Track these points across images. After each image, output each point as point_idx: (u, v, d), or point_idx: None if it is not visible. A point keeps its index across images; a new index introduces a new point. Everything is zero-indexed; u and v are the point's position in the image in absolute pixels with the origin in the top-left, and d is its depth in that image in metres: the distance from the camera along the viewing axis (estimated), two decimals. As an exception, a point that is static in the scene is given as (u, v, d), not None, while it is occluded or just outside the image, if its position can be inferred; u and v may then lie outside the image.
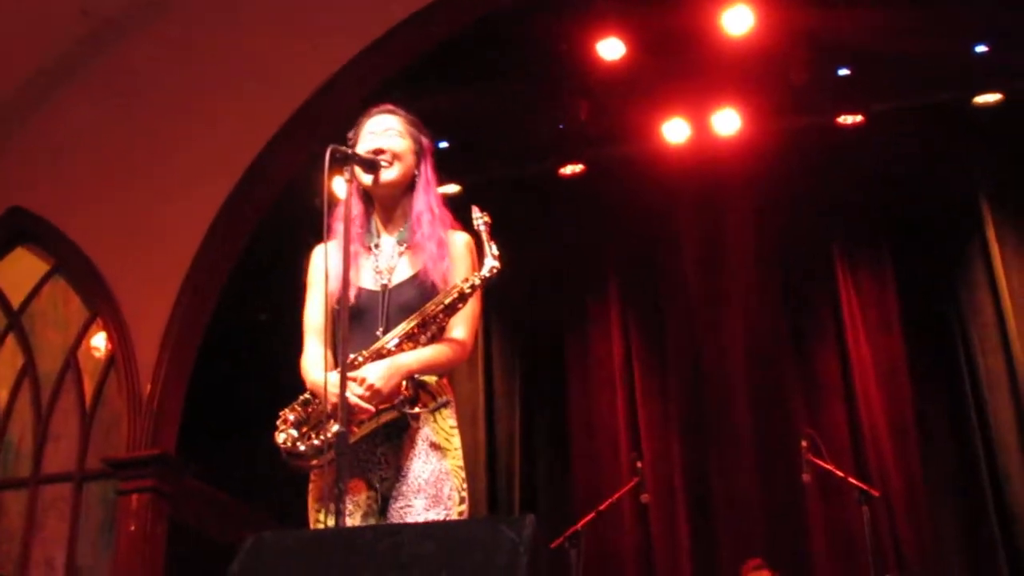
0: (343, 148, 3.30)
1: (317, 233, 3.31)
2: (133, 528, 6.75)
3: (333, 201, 3.29)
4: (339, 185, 3.35)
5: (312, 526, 3.30)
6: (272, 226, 7.54)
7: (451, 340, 3.37)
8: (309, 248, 3.56)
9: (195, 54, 7.58)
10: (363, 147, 3.45)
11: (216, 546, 7.29)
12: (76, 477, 7.11)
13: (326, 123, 7.28)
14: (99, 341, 7.40)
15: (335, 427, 3.05)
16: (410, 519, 3.19)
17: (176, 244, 7.30)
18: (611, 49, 7.56)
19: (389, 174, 3.45)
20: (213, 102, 7.48)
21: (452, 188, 7.58)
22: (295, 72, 7.40)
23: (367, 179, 3.44)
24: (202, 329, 7.35)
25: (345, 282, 3.14)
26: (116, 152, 7.58)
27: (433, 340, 3.33)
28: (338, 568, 2.40)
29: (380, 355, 3.25)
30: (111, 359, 7.26)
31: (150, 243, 7.35)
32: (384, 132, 3.50)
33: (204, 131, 7.45)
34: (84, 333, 7.44)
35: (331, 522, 3.07)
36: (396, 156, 3.47)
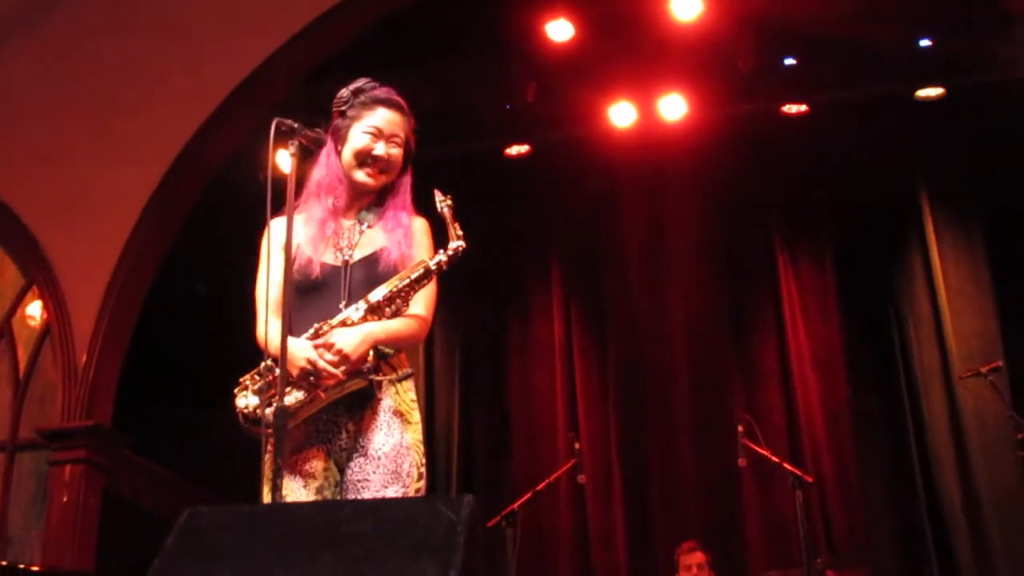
0: (288, 121, 3.27)
1: (275, 205, 3.29)
2: (66, 499, 6.69)
3: (290, 176, 3.27)
4: (283, 158, 3.33)
5: (264, 496, 3.28)
6: (214, 198, 7.47)
7: (414, 316, 3.41)
8: (253, 219, 3.54)
9: (140, 23, 7.48)
10: (363, 140, 3.46)
11: (151, 519, 7.24)
12: (8, 447, 7.02)
13: (268, 97, 7.22)
14: (34, 310, 7.31)
15: (296, 393, 3.15)
16: (367, 494, 3.21)
17: (116, 213, 7.21)
18: (560, 31, 7.56)
19: (374, 180, 3.49)
20: (156, 72, 7.39)
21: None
22: (238, 46, 7.32)
23: (360, 176, 3.46)
24: (140, 300, 7.27)
25: (288, 249, 3.17)
26: (56, 119, 7.47)
27: (396, 315, 3.35)
28: (274, 544, 2.39)
29: (345, 325, 3.27)
30: (46, 328, 7.17)
31: (89, 211, 7.25)
32: (391, 138, 3.51)
33: (146, 101, 7.36)
34: (19, 301, 7.34)
35: (286, 495, 3.09)
36: (391, 165, 3.51)
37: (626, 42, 7.75)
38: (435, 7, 7.34)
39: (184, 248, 7.54)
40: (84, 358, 6.97)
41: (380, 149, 3.48)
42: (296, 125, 3.30)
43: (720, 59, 7.83)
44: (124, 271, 7.13)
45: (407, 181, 3.59)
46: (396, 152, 3.51)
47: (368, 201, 3.54)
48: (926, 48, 7.79)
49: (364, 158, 3.46)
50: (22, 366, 7.19)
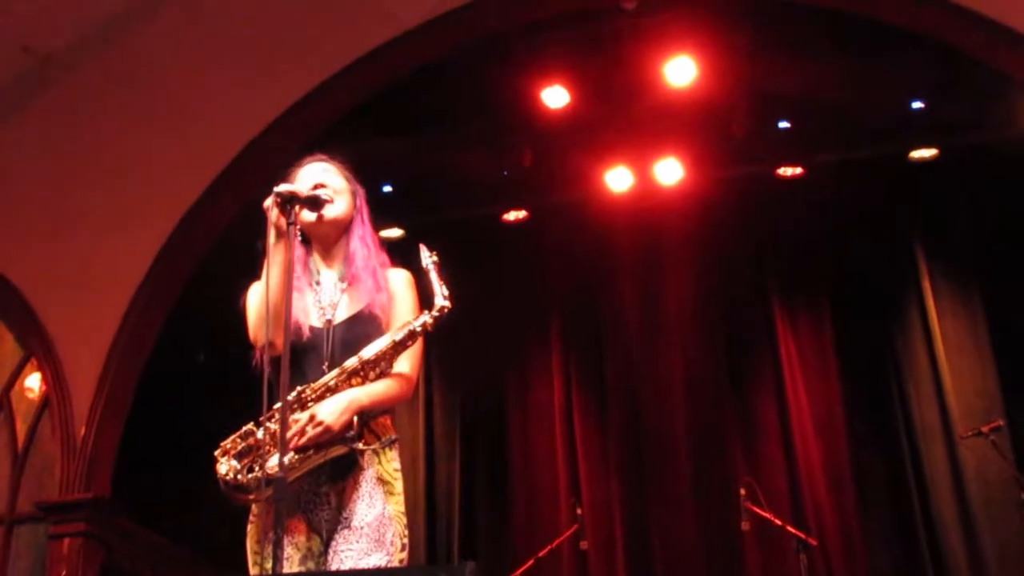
0: (286, 189, 3.29)
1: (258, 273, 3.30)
2: (64, 573, 6.62)
3: (290, 245, 3.28)
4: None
5: (250, 569, 3.25)
6: (212, 269, 7.47)
7: (398, 375, 3.39)
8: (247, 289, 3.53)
9: (136, 95, 7.51)
10: (303, 187, 3.44)
11: (150, 592, 7.18)
12: (6, 520, 6.98)
13: (266, 167, 7.24)
14: (33, 382, 7.29)
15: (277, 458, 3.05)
16: (351, 564, 3.16)
17: (114, 285, 7.21)
18: (556, 97, 7.61)
19: (333, 210, 3.47)
20: (153, 144, 7.41)
21: (395, 232, 7.58)
22: (235, 117, 7.36)
23: (311, 217, 3.44)
24: (139, 372, 7.25)
25: (287, 325, 3.12)
26: (54, 191, 7.49)
27: (380, 377, 3.33)
28: (275, 616, 2.37)
29: (328, 389, 3.25)
30: (45, 401, 7.15)
31: (87, 284, 7.26)
32: (322, 172, 3.54)
33: (144, 173, 7.39)
34: (18, 374, 7.32)
35: (268, 568, 3.04)
36: (337, 192, 3.51)
37: (621, 107, 7.81)
38: (432, 75, 7.40)
39: (183, 318, 7.53)
40: (83, 430, 6.94)
41: (318, 178, 3.50)
42: (295, 192, 3.31)
43: (715, 123, 7.89)
44: (123, 342, 7.12)
45: (364, 231, 3.56)
46: (337, 179, 3.54)
47: (343, 257, 3.52)
48: (919, 110, 7.85)
49: (315, 193, 3.43)
50: (20, 439, 7.15)
